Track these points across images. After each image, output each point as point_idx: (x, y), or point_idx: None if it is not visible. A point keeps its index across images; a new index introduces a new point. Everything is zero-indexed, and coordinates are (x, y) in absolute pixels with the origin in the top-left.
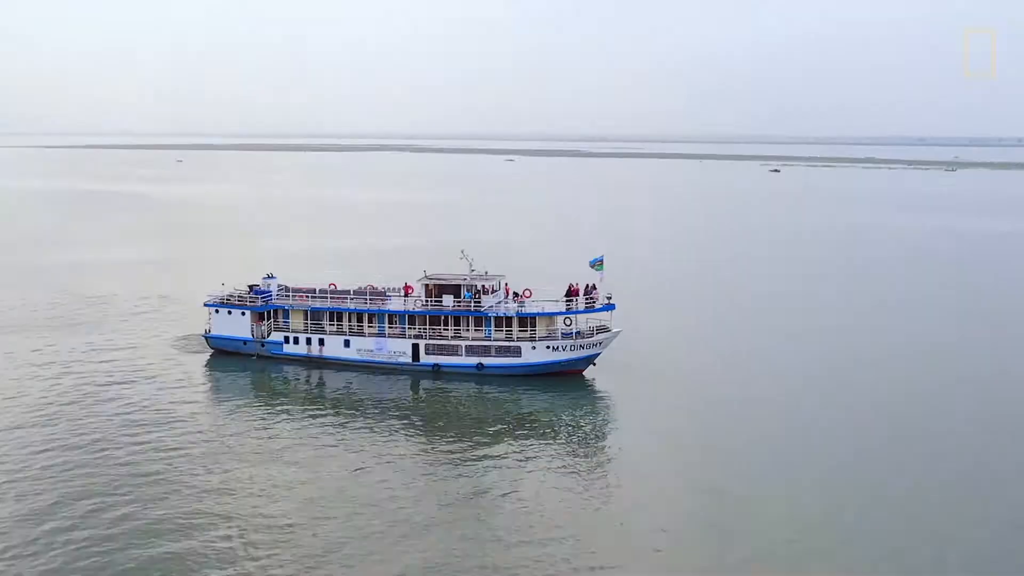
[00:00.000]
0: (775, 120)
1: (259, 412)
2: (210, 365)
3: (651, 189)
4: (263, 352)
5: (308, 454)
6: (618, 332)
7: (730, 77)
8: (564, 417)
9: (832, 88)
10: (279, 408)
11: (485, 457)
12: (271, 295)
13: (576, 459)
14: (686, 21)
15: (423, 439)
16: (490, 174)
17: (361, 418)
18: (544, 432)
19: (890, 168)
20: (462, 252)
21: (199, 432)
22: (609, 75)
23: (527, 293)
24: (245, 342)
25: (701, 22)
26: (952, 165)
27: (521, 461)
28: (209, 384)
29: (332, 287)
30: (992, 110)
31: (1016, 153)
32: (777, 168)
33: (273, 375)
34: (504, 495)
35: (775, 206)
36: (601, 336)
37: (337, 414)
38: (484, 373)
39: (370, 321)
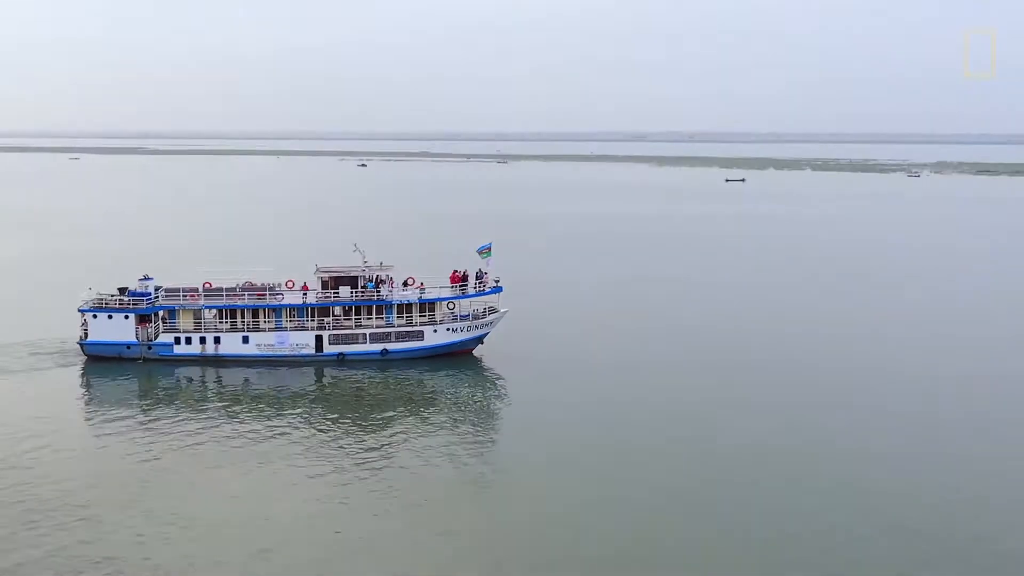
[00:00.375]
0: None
1: (156, 416)
2: (88, 373)
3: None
4: (150, 355)
5: (216, 450)
6: (506, 312)
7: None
8: (463, 392)
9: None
10: (175, 409)
11: (397, 434)
12: (151, 296)
13: (474, 430)
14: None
15: (331, 423)
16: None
17: (268, 410)
18: (449, 408)
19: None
20: (355, 245)
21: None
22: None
23: (411, 281)
24: (129, 346)
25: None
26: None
27: (426, 436)
28: (89, 393)
29: (207, 285)
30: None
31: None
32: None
33: (164, 378)
34: (411, 469)
35: None
36: (492, 316)
37: (240, 410)
38: (388, 358)
39: (267, 316)
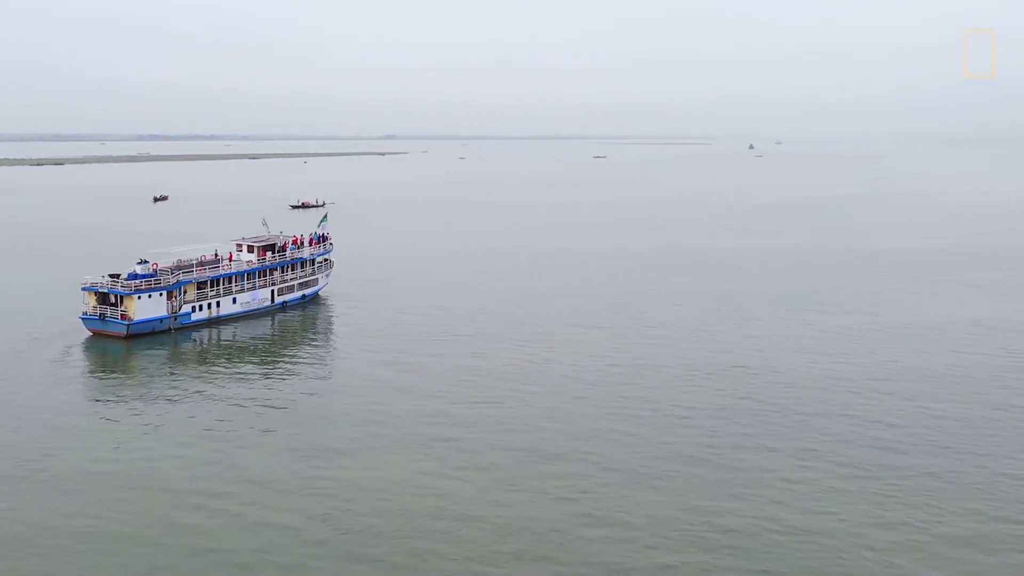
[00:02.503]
0: None
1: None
2: (133, 348)
3: None
4: (176, 325)
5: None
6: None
7: None
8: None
9: None
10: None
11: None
12: (155, 276)
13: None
14: None
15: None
16: None
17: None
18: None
19: None
20: (263, 220)
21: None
22: None
23: (299, 240)
24: (162, 319)
25: None
26: None
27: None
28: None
29: (203, 258)
30: None
31: None
32: None
33: (193, 340)
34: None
35: None
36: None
37: (252, 358)
38: (304, 300)
39: (246, 279)
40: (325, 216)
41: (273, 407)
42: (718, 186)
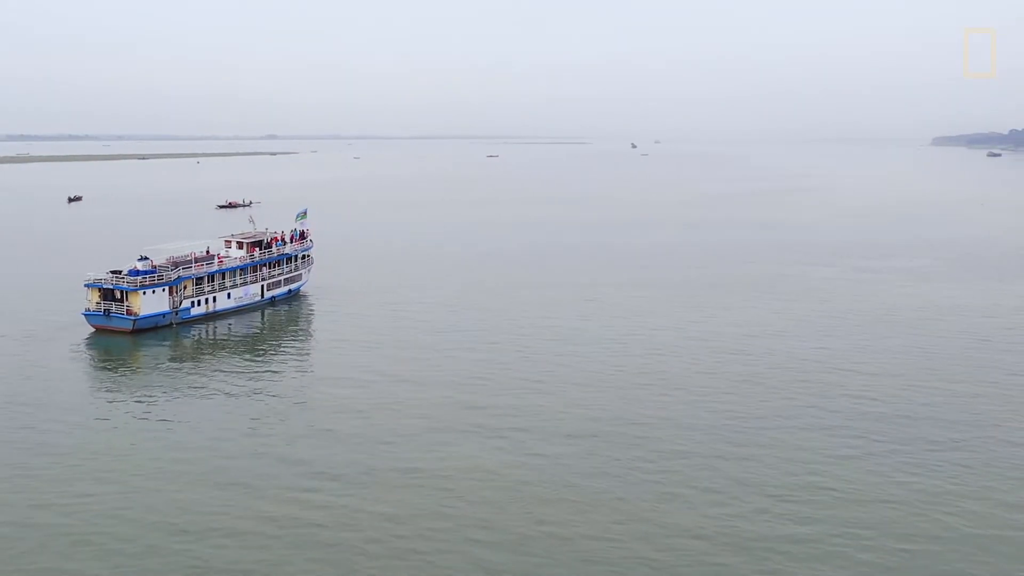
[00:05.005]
0: None
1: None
2: (136, 342)
3: None
4: (176, 320)
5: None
6: None
7: None
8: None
9: None
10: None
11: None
12: (155, 272)
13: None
14: None
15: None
16: None
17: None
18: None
19: None
20: (250, 217)
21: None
22: None
23: (281, 237)
24: (164, 315)
25: None
26: None
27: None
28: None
29: (194, 255)
30: None
31: None
32: None
33: (193, 334)
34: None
35: None
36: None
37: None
38: (290, 295)
39: (238, 275)
40: (304, 212)
41: (300, 395)
42: (621, 183)
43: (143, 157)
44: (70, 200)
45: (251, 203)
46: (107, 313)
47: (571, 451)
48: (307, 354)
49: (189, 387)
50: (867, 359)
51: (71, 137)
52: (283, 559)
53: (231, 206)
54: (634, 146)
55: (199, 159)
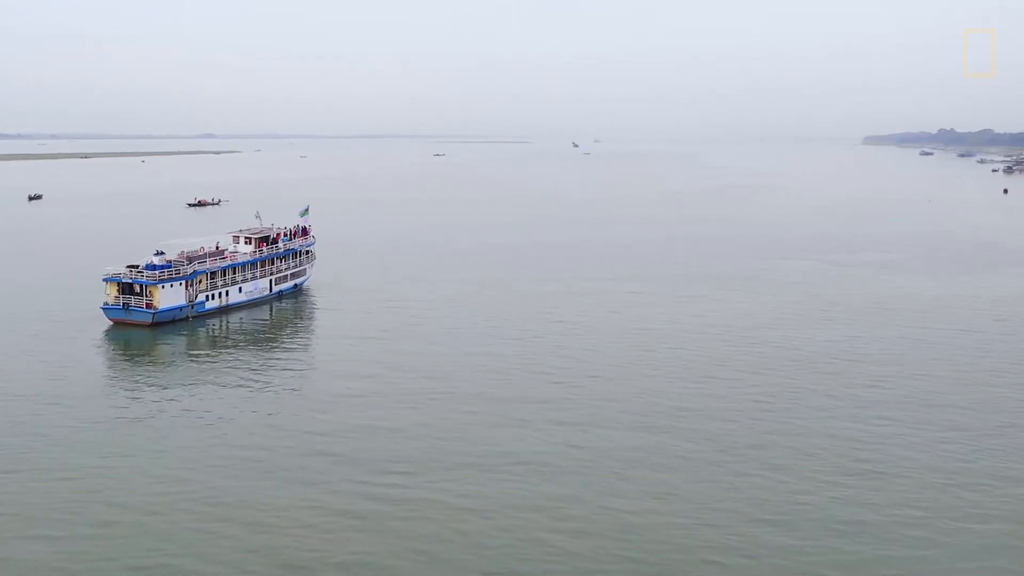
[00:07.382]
0: None
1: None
2: (157, 334)
3: None
4: (192, 313)
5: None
6: None
7: None
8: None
9: None
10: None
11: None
12: (170, 267)
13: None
14: None
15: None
16: None
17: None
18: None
19: None
20: (257, 213)
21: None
22: None
23: (285, 233)
24: (181, 308)
25: None
26: None
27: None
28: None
29: (203, 250)
30: None
31: None
32: None
33: (210, 327)
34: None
35: None
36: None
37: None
38: (296, 289)
39: (249, 270)
40: (307, 209)
41: (323, 389)
42: (570, 182)
43: (86, 156)
44: (30, 199)
45: (220, 201)
46: (126, 307)
47: (621, 438)
48: (319, 348)
49: (211, 381)
50: (885, 349)
51: (4, 136)
52: (338, 550)
53: (201, 204)
54: (576, 145)
55: (143, 158)
